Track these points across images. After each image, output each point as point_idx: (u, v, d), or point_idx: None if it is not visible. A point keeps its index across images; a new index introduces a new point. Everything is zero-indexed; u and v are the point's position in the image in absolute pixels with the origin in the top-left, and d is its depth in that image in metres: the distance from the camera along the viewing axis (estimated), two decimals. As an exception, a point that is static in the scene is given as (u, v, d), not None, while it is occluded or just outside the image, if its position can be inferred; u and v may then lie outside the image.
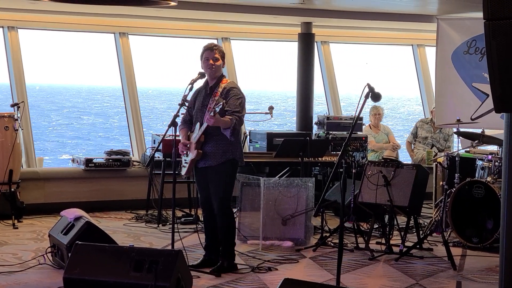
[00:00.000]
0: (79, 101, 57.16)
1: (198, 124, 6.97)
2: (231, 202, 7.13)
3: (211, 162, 6.93)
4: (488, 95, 9.86)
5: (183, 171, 7.19)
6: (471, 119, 9.88)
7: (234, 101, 6.85)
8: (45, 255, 7.29)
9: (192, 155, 6.97)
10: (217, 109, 6.59)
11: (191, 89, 6.96)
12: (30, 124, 11.01)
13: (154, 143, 10.47)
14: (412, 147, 11.74)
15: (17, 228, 9.04)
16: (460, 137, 9.44)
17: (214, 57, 6.95)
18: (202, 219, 7.99)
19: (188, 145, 7.02)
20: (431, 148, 11.42)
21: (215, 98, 6.87)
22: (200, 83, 7.12)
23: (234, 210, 7.79)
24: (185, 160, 7.12)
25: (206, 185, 7.05)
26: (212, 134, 6.89)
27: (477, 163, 8.86)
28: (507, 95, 4.44)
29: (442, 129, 11.42)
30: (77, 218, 7.06)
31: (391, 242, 8.05)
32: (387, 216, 8.34)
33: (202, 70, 7.04)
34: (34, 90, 51.71)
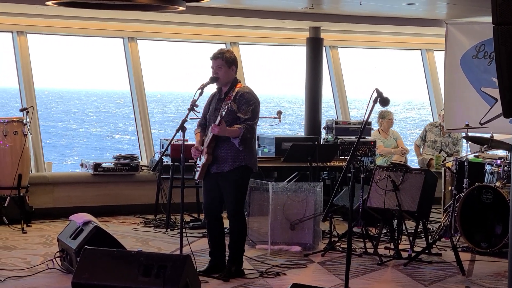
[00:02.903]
0: (88, 105, 57.24)
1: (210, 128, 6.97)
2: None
3: (223, 168, 6.92)
4: (497, 100, 9.84)
5: (196, 176, 7.17)
6: (480, 123, 9.87)
7: (246, 107, 6.83)
8: (53, 260, 7.30)
9: (204, 159, 6.97)
10: (223, 113, 6.58)
11: (200, 94, 6.94)
12: (39, 128, 11.04)
13: (163, 147, 10.48)
14: (421, 151, 11.72)
15: (26, 232, 9.05)
16: (469, 142, 9.42)
17: (217, 66, 6.93)
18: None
19: (200, 150, 7.02)
20: (439, 153, 11.40)
21: (228, 102, 6.85)
22: (212, 87, 7.12)
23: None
24: (198, 164, 7.10)
25: (213, 190, 7.03)
26: (224, 139, 6.88)
27: (486, 168, 8.84)
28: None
29: (451, 133, 11.40)
30: (86, 223, 7.07)
31: (400, 247, 8.03)
32: (395, 221, 8.33)
33: (214, 75, 7.02)
34: (43, 95, 51.82)
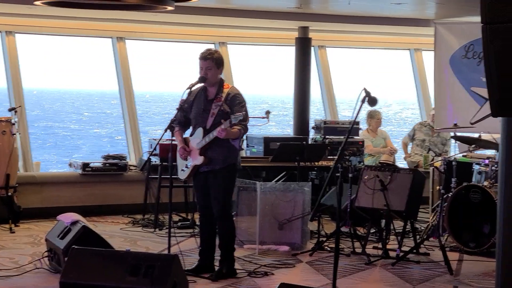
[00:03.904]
0: (77, 105, 57.10)
1: (200, 129, 6.93)
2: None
3: (212, 167, 6.93)
4: (487, 99, 9.81)
5: (182, 175, 7.14)
6: (470, 123, 9.89)
7: (239, 109, 6.84)
8: (41, 260, 7.28)
9: (195, 160, 6.95)
10: (235, 121, 6.61)
11: (189, 94, 6.95)
12: (27, 128, 11.01)
13: (151, 147, 10.46)
14: (408, 150, 11.75)
15: (14, 232, 9.02)
16: (457, 142, 9.44)
17: (206, 66, 6.92)
18: (198, 223, 8.00)
19: (188, 150, 7.00)
20: (428, 152, 11.42)
21: (219, 104, 6.86)
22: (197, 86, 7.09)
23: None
24: (185, 164, 7.08)
25: (206, 190, 7.03)
26: (216, 141, 6.88)
27: (474, 167, 8.86)
28: (505, 99, 4.44)
29: (440, 133, 11.42)
30: (74, 223, 7.06)
31: (388, 246, 8.04)
32: (383, 221, 8.34)
33: (203, 75, 7.00)
34: (32, 94, 51.66)
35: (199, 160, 6.92)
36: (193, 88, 7.00)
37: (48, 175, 11.04)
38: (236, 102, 6.88)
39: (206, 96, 7.00)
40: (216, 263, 7.12)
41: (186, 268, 6.74)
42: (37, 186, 10.19)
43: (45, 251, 7.30)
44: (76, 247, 5.97)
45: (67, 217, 7.22)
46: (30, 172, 10.72)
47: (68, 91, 67.44)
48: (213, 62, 6.91)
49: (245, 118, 6.86)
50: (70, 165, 10.76)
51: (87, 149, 34.98)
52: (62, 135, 40.53)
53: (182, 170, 7.12)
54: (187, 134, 7.21)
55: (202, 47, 7.18)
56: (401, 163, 12.50)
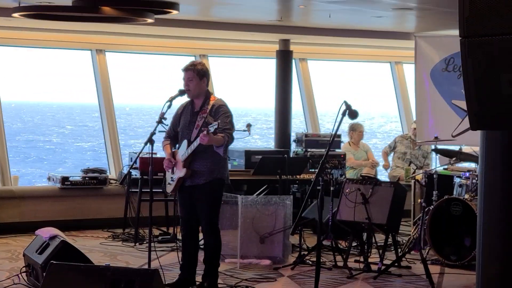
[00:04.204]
0: (58, 118, 56.86)
1: (185, 142, 6.88)
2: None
3: (198, 181, 6.85)
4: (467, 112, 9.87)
5: (169, 189, 7.09)
6: (452, 136, 9.90)
7: (224, 118, 6.79)
8: (19, 275, 7.19)
9: (180, 173, 6.89)
10: (212, 129, 6.54)
11: (169, 107, 6.89)
12: (5, 142, 10.89)
13: (131, 160, 10.39)
14: (390, 160, 11.77)
15: (-9, 247, 8.93)
16: (438, 155, 9.45)
17: (188, 78, 6.88)
18: (180, 237, 7.93)
19: (173, 162, 6.95)
20: (409, 165, 11.43)
21: (204, 116, 6.81)
22: (180, 100, 7.06)
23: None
24: (171, 177, 7.03)
25: (190, 204, 6.96)
26: (200, 153, 6.81)
27: (455, 180, 8.87)
28: (483, 113, 4.43)
29: (422, 146, 11.44)
30: (52, 237, 6.97)
31: (370, 260, 8.02)
32: (365, 234, 8.32)
33: (182, 88, 6.97)
34: (10, 108, 51.42)
35: (183, 172, 6.86)
36: (177, 103, 6.96)
37: (26, 189, 10.94)
38: (220, 113, 6.83)
39: (192, 109, 6.97)
40: (198, 278, 7.05)
41: (166, 283, 6.68)
42: (16, 200, 10.09)
43: (23, 266, 7.21)
44: (55, 262, 5.89)
45: (45, 232, 7.13)
46: (8, 186, 10.61)
47: (48, 104, 67.17)
48: (194, 73, 6.86)
49: (230, 127, 6.81)
50: (49, 179, 10.67)
51: (71, 162, 34.82)
52: (45, 148, 40.31)
53: (169, 183, 7.06)
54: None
55: (183, 60, 7.17)
56: (383, 176, 12.51)
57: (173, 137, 7.08)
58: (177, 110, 7.06)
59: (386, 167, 11.78)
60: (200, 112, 6.88)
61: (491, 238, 5.47)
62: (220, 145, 6.76)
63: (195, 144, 6.76)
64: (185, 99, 7.05)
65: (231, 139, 6.84)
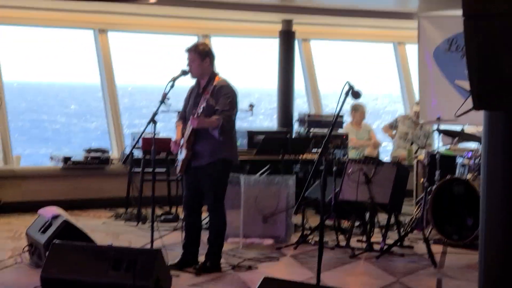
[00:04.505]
0: (59, 98, 56.79)
1: (189, 123, 6.90)
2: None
3: (201, 162, 6.87)
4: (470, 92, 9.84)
5: (177, 170, 7.12)
6: (455, 116, 9.87)
7: (224, 100, 6.77)
8: (22, 254, 7.21)
9: (183, 154, 6.91)
10: (200, 111, 6.53)
11: (172, 87, 6.87)
12: (7, 122, 10.89)
13: (134, 140, 10.39)
14: (393, 132, 11.79)
15: (-6, 226, 8.95)
16: (441, 135, 9.44)
17: (190, 58, 6.88)
18: (183, 217, 7.94)
19: (179, 144, 6.96)
20: (411, 145, 11.43)
21: (206, 97, 6.81)
22: (183, 80, 7.06)
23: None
24: (178, 159, 7.05)
25: (194, 185, 6.98)
26: (202, 134, 6.82)
27: (457, 160, 8.87)
28: (486, 93, 4.42)
29: (423, 126, 11.44)
30: (55, 217, 6.99)
31: (372, 239, 8.03)
32: (368, 214, 8.32)
33: (185, 68, 6.97)
34: (12, 88, 51.39)
35: (184, 154, 6.88)
36: (185, 84, 6.95)
37: (28, 169, 10.95)
38: (221, 93, 6.81)
39: (198, 90, 6.97)
40: (201, 258, 7.07)
41: (169, 262, 6.70)
42: (18, 180, 10.10)
43: (26, 246, 7.23)
44: (57, 241, 5.92)
45: (48, 211, 7.15)
46: (11, 166, 10.62)
47: (50, 84, 67.06)
48: (196, 54, 6.86)
49: (230, 108, 6.78)
50: (51, 158, 10.68)
51: (77, 142, 34.81)
52: (50, 128, 40.25)
53: (177, 164, 7.09)
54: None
55: (185, 40, 7.14)
56: (385, 156, 12.51)
57: (185, 118, 7.10)
58: (188, 92, 7.08)
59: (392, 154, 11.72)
60: (203, 93, 6.88)
61: (494, 218, 5.48)
62: (214, 128, 6.74)
63: (189, 127, 6.77)
64: (193, 80, 7.06)
65: (228, 121, 6.78)
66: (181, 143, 6.97)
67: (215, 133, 6.75)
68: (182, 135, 7.01)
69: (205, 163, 6.85)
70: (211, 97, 6.79)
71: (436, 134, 9.94)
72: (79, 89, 61.19)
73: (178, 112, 7.24)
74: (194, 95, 7.00)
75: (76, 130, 40.09)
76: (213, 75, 6.95)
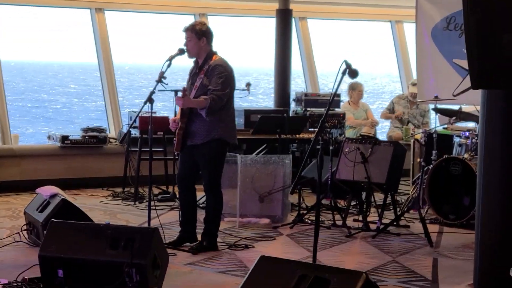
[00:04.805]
0: (59, 78, 56.62)
1: None
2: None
3: (196, 141, 6.88)
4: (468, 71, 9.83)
5: (174, 148, 7.15)
6: (453, 95, 9.88)
7: (216, 79, 6.76)
8: (20, 233, 7.22)
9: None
10: (191, 92, 6.55)
11: (168, 66, 6.86)
12: (5, 100, 10.88)
13: (131, 120, 10.39)
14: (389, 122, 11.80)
15: (-8, 205, 8.96)
16: (438, 114, 9.44)
17: (187, 38, 6.87)
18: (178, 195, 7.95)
19: (177, 122, 6.98)
20: (407, 124, 11.45)
21: (201, 76, 6.82)
22: (181, 59, 7.05)
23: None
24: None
25: (187, 162, 7.00)
26: (197, 113, 6.82)
27: (454, 140, 8.88)
28: (484, 72, 4.43)
29: (419, 105, 11.45)
30: (53, 196, 7.00)
31: (368, 219, 8.06)
32: (364, 193, 8.35)
33: (182, 47, 6.96)
34: (10, 67, 51.25)
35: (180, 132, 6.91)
36: (183, 63, 6.96)
37: (26, 147, 10.96)
38: (215, 73, 6.80)
39: (195, 69, 6.98)
40: (199, 236, 7.10)
41: (166, 241, 6.73)
42: (16, 159, 10.11)
43: (24, 224, 7.24)
44: (55, 220, 5.93)
45: (46, 190, 7.16)
46: (9, 144, 10.62)
47: (48, 63, 66.84)
48: (192, 33, 6.85)
49: (221, 88, 6.76)
50: (49, 137, 10.67)
51: (78, 122, 34.75)
52: (50, 108, 40.10)
53: (174, 142, 7.11)
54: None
55: (182, 19, 7.13)
56: (382, 136, 12.51)
57: None
58: (189, 72, 7.07)
59: (398, 116, 11.68)
60: (200, 73, 6.88)
61: (490, 198, 5.50)
62: (202, 108, 6.73)
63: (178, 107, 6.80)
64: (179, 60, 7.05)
65: (217, 101, 6.74)
66: (178, 121, 6.98)
67: (202, 112, 6.75)
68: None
69: (199, 142, 6.87)
70: (206, 76, 6.80)
71: (432, 113, 9.96)
72: (77, 68, 61.02)
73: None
74: (192, 75, 7.01)
75: (77, 110, 39.94)
76: (211, 54, 6.94)
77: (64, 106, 41.40)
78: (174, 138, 7.04)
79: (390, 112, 11.73)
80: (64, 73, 59.54)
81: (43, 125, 32.48)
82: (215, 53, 6.97)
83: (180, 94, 6.71)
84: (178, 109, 7.17)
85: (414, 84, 11.43)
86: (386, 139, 11.50)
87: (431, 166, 8.48)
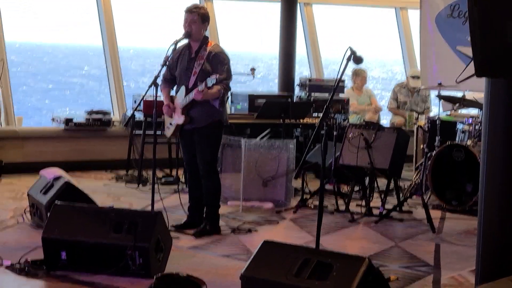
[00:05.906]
0: (60, 59, 56.53)
1: (183, 88, 6.88)
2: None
3: (196, 125, 6.89)
4: (472, 59, 9.81)
5: (168, 133, 7.16)
6: (456, 82, 9.87)
7: (221, 67, 6.76)
8: (23, 215, 7.26)
9: (179, 119, 6.92)
10: (210, 84, 6.52)
11: (174, 50, 6.87)
12: (9, 82, 10.89)
13: (135, 103, 10.40)
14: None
15: (-4, 187, 8.99)
16: (441, 100, 9.44)
17: (191, 20, 6.83)
18: (184, 180, 7.96)
19: (172, 108, 6.97)
20: (410, 111, 11.47)
21: (201, 62, 6.80)
22: (183, 43, 7.02)
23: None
24: (170, 122, 7.07)
25: (191, 147, 7.01)
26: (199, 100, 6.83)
27: (457, 126, 8.88)
28: (488, 60, 4.42)
29: (420, 91, 11.48)
30: (57, 178, 7.02)
31: (371, 204, 8.08)
32: (367, 179, 8.36)
33: (189, 30, 6.93)
34: (14, 48, 51.14)
35: (181, 119, 6.90)
36: (178, 45, 6.92)
37: (30, 129, 10.96)
38: (218, 61, 6.80)
39: (190, 54, 6.94)
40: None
41: (171, 224, 6.76)
42: (20, 141, 10.13)
43: (27, 206, 7.27)
44: (59, 202, 5.95)
45: (49, 172, 7.18)
46: (12, 126, 10.63)
47: (54, 45, 66.69)
48: (198, 16, 6.83)
49: (227, 76, 6.79)
50: (53, 120, 10.68)
51: (94, 104, 34.72)
52: (68, 90, 39.98)
53: (167, 127, 7.11)
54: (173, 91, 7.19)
55: (187, 2, 7.09)
56: (385, 122, 12.52)
57: (170, 80, 7.09)
58: (173, 53, 6.93)
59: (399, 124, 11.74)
60: (197, 58, 6.86)
61: (493, 184, 5.51)
62: (216, 98, 6.77)
63: (190, 96, 6.77)
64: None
65: (227, 90, 6.85)
66: (172, 106, 6.97)
67: (215, 103, 6.80)
68: (170, 98, 7.03)
69: (201, 125, 6.87)
70: (207, 62, 6.79)
71: (433, 98, 9.96)
72: (88, 51, 60.89)
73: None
74: (186, 60, 6.93)
75: (93, 92, 39.81)
76: (205, 39, 6.93)
77: (80, 88, 41.32)
78: (169, 124, 7.03)
79: (396, 101, 11.76)
80: (76, 56, 59.34)
81: (60, 107, 32.44)
82: (208, 38, 6.98)
83: (200, 87, 6.65)
84: (163, 95, 7.12)
85: (413, 77, 11.47)
86: (388, 125, 11.53)
87: (434, 152, 8.49)
